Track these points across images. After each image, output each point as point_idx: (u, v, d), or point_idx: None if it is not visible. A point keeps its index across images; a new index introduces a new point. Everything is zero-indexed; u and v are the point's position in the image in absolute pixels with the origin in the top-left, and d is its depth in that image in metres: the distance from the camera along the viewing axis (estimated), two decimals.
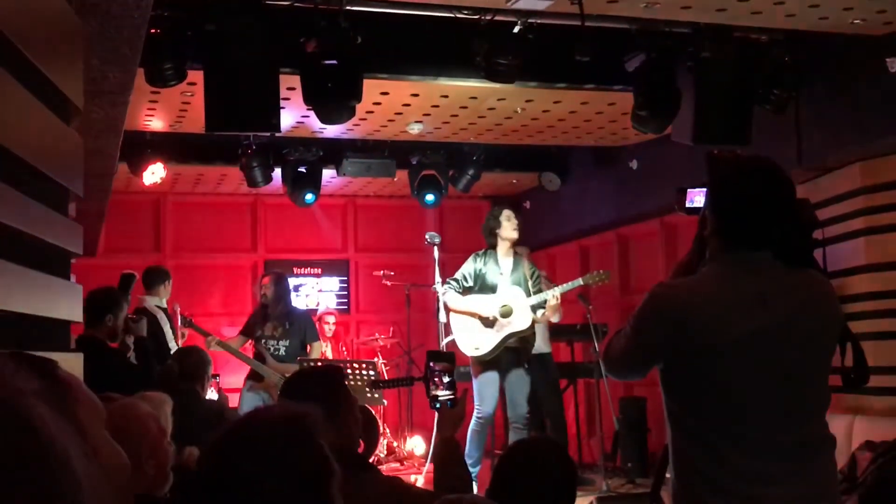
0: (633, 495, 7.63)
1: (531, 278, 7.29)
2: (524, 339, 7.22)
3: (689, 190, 2.65)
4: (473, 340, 7.17)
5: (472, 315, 7.26)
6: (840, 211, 6.46)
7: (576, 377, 9.14)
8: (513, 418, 7.29)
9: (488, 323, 7.21)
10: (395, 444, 9.77)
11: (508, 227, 7.30)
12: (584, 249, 10.64)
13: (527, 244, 8.68)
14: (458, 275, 7.45)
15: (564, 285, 7.32)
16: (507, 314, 7.12)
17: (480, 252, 7.47)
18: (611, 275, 7.68)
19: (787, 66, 6.12)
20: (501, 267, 7.35)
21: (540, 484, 2.87)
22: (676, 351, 2.39)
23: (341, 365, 7.02)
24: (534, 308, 7.19)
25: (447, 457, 3.04)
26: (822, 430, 2.42)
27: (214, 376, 5.68)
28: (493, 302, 7.23)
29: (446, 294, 7.39)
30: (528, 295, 7.22)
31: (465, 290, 7.41)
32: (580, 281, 7.38)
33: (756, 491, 2.30)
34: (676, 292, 2.47)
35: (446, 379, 3.28)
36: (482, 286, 7.32)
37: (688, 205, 2.66)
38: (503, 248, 7.35)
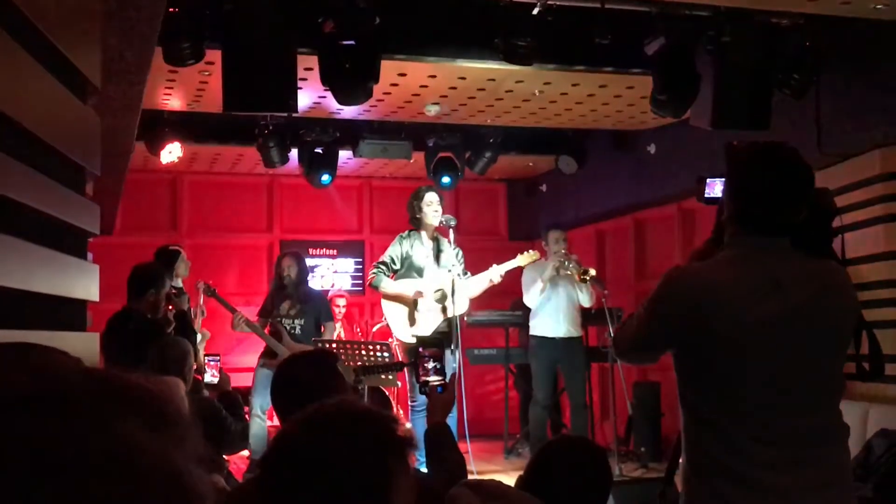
0: (646, 480, 7.62)
1: (457, 260, 7.28)
2: (453, 321, 7.16)
3: (708, 179, 2.61)
4: (409, 326, 7.13)
5: (406, 299, 7.24)
6: (859, 198, 6.41)
7: (590, 361, 9.12)
8: None
9: (424, 308, 7.19)
10: (407, 424, 9.79)
11: (429, 213, 7.29)
12: (600, 233, 10.61)
13: (543, 227, 8.67)
14: (385, 258, 7.43)
15: (504, 264, 7.38)
16: (442, 299, 7.09)
17: (405, 234, 7.48)
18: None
19: (808, 51, 6.07)
20: (427, 248, 7.33)
21: (576, 485, 2.86)
22: (690, 335, 2.38)
23: (356, 346, 7.01)
24: (470, 290, 7.21)
25: (440, 441, 3.06)
26: (835, 418, 2.41)
27: (215, 356, 5.69)
28: (426, 285, 7.20)
29: (377, 279, 7.33)
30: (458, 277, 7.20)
31: (393, 273, 7.39)
32: (516, 261, 7.52)
33: (768, 477, 2.29)
34: (692, 275, 2.46)
35: (436, 364, 3.31)
36: (409, 268, 7.31)
37: (707, 194, 2.63)
38: (428, 230, 7.35)
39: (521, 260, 7.60)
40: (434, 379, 3.29)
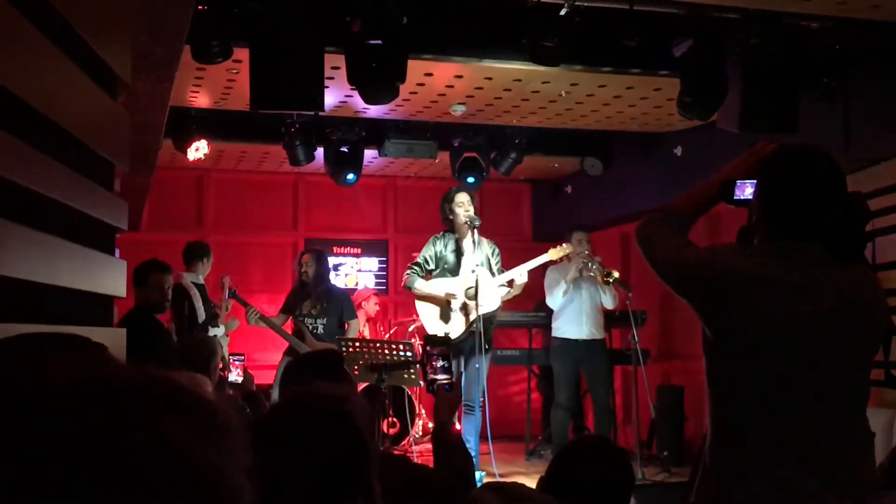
0: (668, 484, 7.59)
1: (493, 258, 7.28)
2: (487, 320, 7.14)
3: (738, 181, 2.59)
4: (442, 325, 7.13)
5: (439, 299, 7.26)
6: (889, 202, 6.35)
7: (613, 364, 9.10)
8: (465, 399, 7.06)
9: (455, 307, 7.19)
10: (430, 424, 9.79)
11: (460, 213, 7.28)
12: (624, 236, 10.56)
13: (566, 228, 8.64)
14: (419, 258, 7.45)
15: (531, 261, 7.36)
16: (472, 297, 7.08)
17: (440, 234, 7.50)
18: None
19: (837, 54, 6.02)
20: (461, 248, 7.32)
21: (597, 486, 2.84)
22: (719, 315, 2.40)
23: (379, 345, 7.02)
24: (500, 288, 7.19)
25: (447, 439, 3.07)
26: (860, 423, 2.40)
27: (240, 356, 5.73)
28: (458, 285, 7.21)
29: (410, 279, 7.37)
30: (493, 275, 7.20)
31: (427, 274, 7.41)
32: (546, 256, 7.50)
33: (792, 476, 2.28)
34: (734, 259, 2.45)
35: (444, 363, 3.33)
36: (443, 268, 7.33)
37: (737, 196, 2.60)
38: (461, 229, 7.33)
39: (553, 254, 7.58)
40: (442, 377, 3.30)
